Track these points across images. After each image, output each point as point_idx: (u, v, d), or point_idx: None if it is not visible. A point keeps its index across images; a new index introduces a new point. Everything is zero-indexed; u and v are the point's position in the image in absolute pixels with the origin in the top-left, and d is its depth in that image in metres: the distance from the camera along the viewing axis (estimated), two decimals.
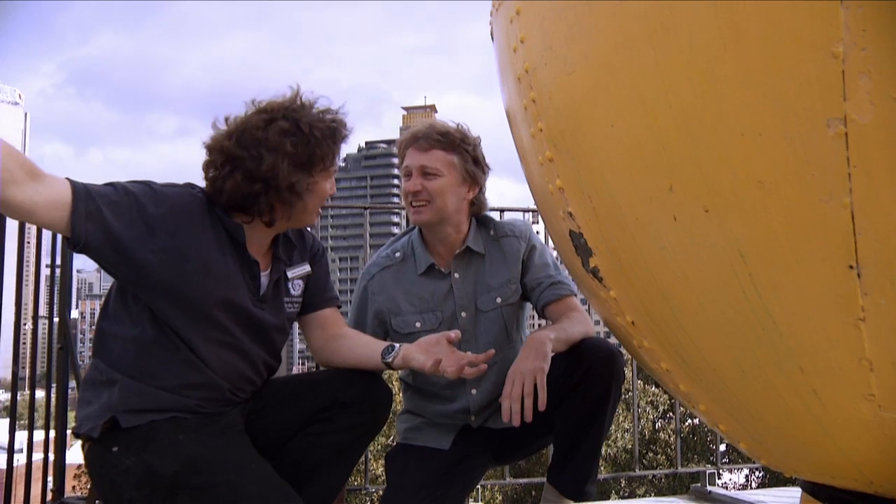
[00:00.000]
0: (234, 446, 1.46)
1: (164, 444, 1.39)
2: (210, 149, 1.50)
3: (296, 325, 1.78)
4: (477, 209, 1.94)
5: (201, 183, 1.53)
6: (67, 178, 1.32)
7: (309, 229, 1.77)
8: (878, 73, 0.71)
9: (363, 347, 1.66)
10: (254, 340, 1.56)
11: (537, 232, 2.12)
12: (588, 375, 1.75)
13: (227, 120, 1.51)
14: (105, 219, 1.32)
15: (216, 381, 1.49)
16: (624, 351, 1.66)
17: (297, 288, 1.66)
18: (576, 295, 1.91)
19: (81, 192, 1.30)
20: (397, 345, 1.61)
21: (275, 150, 1.45)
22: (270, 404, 1.62)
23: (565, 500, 1.85)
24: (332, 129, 1.52)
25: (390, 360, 1.58)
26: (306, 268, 1.68)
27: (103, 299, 1.54)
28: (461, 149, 1.85)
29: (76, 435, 1.48)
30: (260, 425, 1.58)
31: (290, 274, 1.63)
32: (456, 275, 1.91)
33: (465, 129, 1.88)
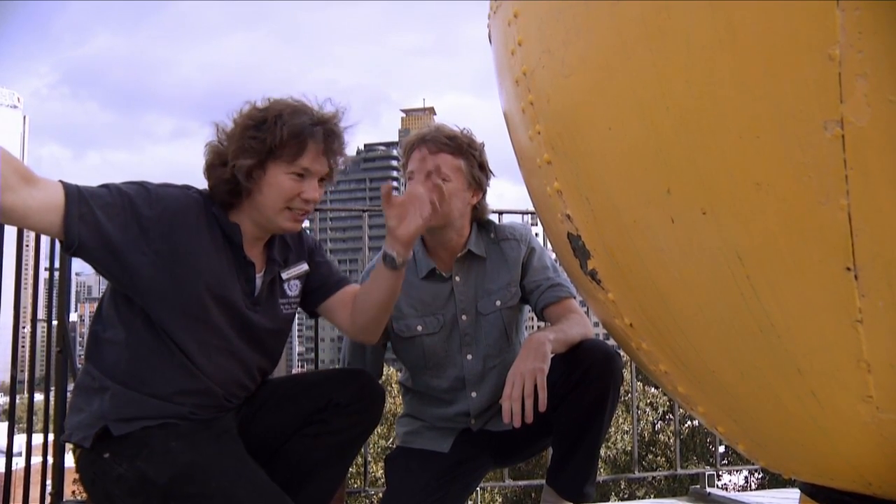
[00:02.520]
0: (228, 453, 1.45)
1: (157, 452, 1.38)
2: None
3: (294, 327, 1.77)
4: (479, 214, 1.94)
5: (200, 185, 1.54)
6: (61, 181, 1.30)
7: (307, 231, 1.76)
8: (875, 76, 0.71)
9: (374, 290, 1.61)
10: (248, 344, 1.55)
11: (536, 234, 2.12)
12: (586, 377, 1.75)
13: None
14: (98, 221, 1.31)
15: (211, 387, 1.49)
16: (623, 353, 1.66)
17: (293, 289, 1.65)
18: (575, 297, 1.91)
19: (74, 195, 1.29)
20: (390, 252, 1.55)
21: (232, 133, 1.49)
22: (265, 407, 1.61)
23: (564, 501, 1.85)
24: (297, 126, 1.48)
25: (398, 267, 1.56)
26: (304, 267, 1.67)
27: (97, 303, 1.54)
28: (468, 153, 1.84)
29: (66, 441, 1.47)
30: (254, 428, 1.58)
31: (284, 275, 1.62)
32: (457, 278, 1.91)
33: (469, 133, 1.88)
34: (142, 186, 1.41)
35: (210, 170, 1.51)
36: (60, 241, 1.32)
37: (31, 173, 1.24)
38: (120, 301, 1.46)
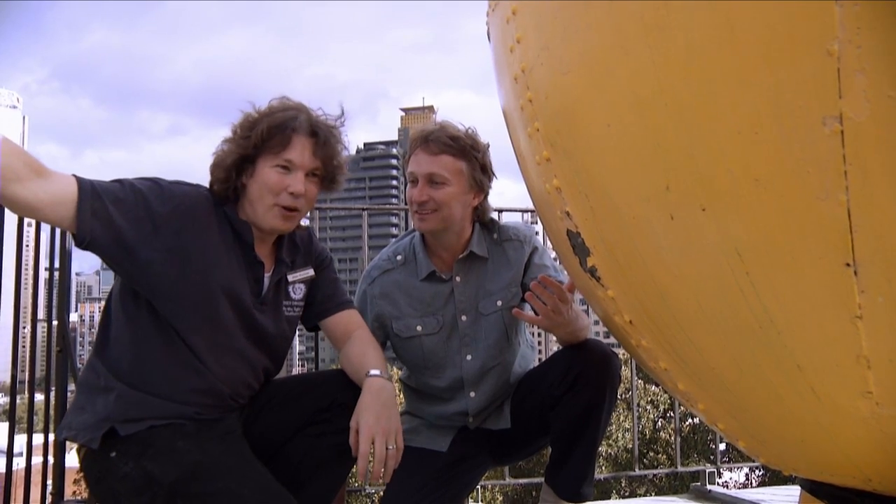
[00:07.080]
0: (233, 453, 1.45)
1: (162, 451, 1.38)
2: None
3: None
4: (480, 215, 1.93)
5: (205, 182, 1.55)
6: (74, 175, 1.32)
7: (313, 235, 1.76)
8: (874, 71, 0.71)
9: (356, 368, 1.61)
10: (254, 344, 1.56)
11: (536, 233, 2.12)
12: (583, 377, 1.75)
13: None
14: (111, 216, 1.32)
15: (217, 386, 1.49)
16: (622, 350, 1.66)
17: (297, 292, 1.65)
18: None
19: (87, 190, 1.30)
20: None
21: (231, 137, 1.52)
22: (268, 406, 1.61)
23: (562, 501, 1.85)
24: (279, 118, 1.50)
25: None
26: (309, 272, 1.67)
27: (104, 301, 1.54)
28: (470, 155, 1.81)
29: (71, 441, 1.47)
30: (258, 428, 1.58)
31: (290, 277, 1.62)
32: (457, 278, 1.91)
33: (474, 133, 1.85)
34: (155, 183, 1.42)
35: (212, 169, 1.52)
36: (73, 235, 1.33)
37: (44, 167, 1.25)
38: (127, 299, 1.47)
